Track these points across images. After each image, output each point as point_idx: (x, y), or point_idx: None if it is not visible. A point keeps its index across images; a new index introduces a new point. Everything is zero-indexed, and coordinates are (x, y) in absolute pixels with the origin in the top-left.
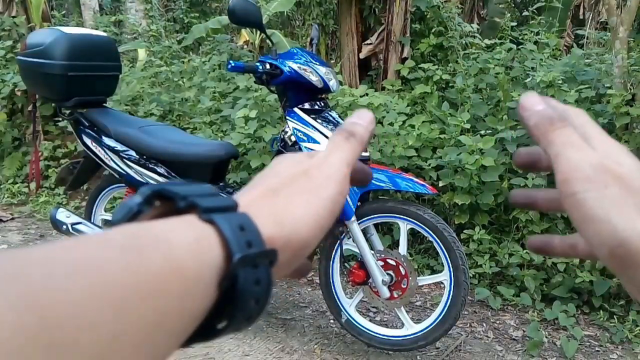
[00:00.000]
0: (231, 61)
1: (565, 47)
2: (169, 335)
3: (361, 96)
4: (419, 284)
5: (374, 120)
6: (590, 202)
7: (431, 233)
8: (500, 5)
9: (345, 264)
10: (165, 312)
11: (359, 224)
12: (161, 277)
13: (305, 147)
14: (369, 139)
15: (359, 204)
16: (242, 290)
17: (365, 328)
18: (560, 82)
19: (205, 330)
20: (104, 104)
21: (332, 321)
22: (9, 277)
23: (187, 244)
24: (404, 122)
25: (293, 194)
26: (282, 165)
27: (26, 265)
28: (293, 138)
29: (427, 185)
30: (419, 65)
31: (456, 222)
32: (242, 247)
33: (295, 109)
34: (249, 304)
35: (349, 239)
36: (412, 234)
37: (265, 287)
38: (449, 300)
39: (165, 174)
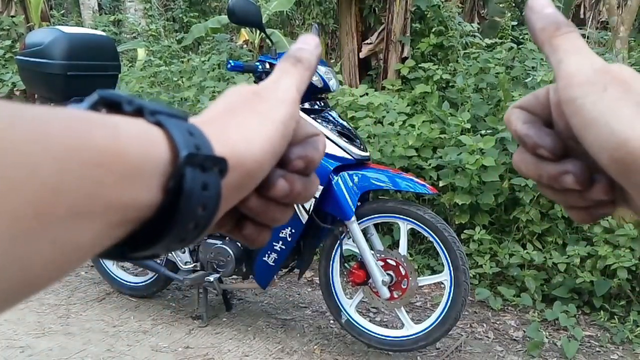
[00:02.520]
0: (231, 61)
1: None
2: (107, 211)
3: (361, 96)
4: (419, 284)
5: (319, 44)
6: (588, 106)
7: (431, 233)
8: (500, 5)
9: (345, 264)
10: (104, 187)
11: (359, 224)
12: (104, 153)
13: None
14: (316, 64)
15: (359, 204)
16: (188, 190)
17: (365, 328)
18: None
19: (149, 236)
20: None
21: (332, 322)
22: None
23: (134, 134)
24: (404, 121)
25: (245, 115)
26: (233, 91)
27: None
28: None
29: (428, 185)
30: (419, 65)
31: (456, 222)
32: (189, 147)
33: None
34: (196, 209)
35: (349, 239)
36: (413, 234)
37: (213, 195)
38: (449, 301)
39: None
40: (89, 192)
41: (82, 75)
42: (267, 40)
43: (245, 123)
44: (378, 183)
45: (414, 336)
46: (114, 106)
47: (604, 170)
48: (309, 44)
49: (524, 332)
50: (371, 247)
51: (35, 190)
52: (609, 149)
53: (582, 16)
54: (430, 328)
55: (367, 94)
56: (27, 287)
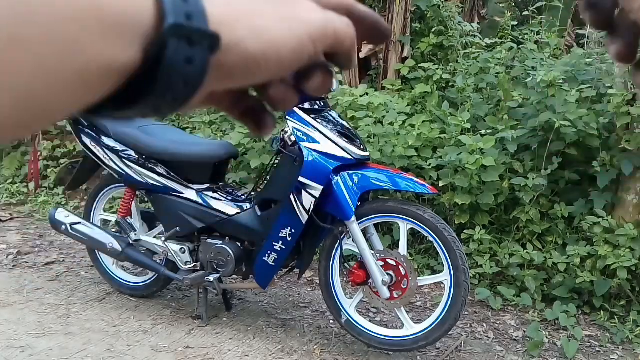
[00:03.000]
0: None
1: (566, 47)
2: (82, 69)
3: (361, 96)
4: (419, 284)
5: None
6: None
7: (431, 233)
8: (500, 5)
9: (345, 264)
10: (79, 44)
11: (359, 224)
12: (80, 7)
13: (305, 147)
14: (350, 47)
15: (359, 204)
16: (169, 62)
17: (366, 328)
18: (561, 81)
19: (120, 101)
20: None
21: (332, 322)
22: None
23: None
24: (404, 121)
25: (264, 6)
26: None
27: None
28: (293, 138)
29: (428, 185)
30: (419, 65)
31: (456, 222)
32: (178, 14)
33: (295, 109)
34: (176, 82)
35: (349, 239)
36: (413, 234)
37: (198, 70)
38: (450, 301)
39: (165, 173)
40: (60, 49)
41: None
42: None
43: (259, 11)
44: (378, 183)
45: (414, 336)
46: None
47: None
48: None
49: (524, 332)
50: (371, 247)
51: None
52: None
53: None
54: (431, 328)
55: (367, 94)
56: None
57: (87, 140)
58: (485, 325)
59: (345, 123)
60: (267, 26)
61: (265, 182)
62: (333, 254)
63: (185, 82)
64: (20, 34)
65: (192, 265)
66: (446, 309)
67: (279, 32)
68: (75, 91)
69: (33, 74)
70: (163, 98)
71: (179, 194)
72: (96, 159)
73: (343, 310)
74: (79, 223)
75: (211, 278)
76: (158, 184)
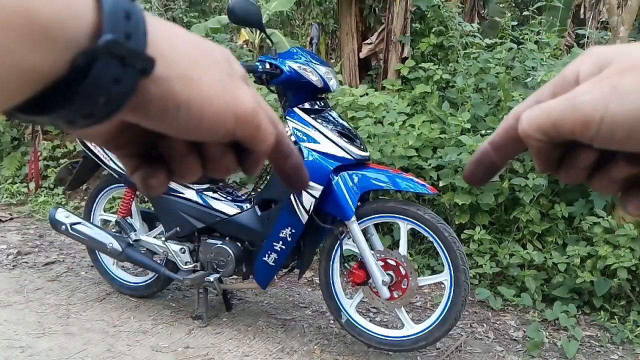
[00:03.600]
0: None
1: (566, 47)
2: (6, 72)
3: (361, 96)
4: (419, 284)
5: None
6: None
7: (431, 233)
8: (500, 5)
9: (345, 264)
10: (3, 48)
11: (359, 224)
12: (10, 13)
13: (305, 147)
14: (264, 147)
15: (359, 204)
16: (95, 77)
17: (366, 328)
18: None
19: (40, 103)
20: None
21: (332, 322)
22: None
23: (55, 1)
24: (404, 121)
25: (203, 62)
26: (220, 49)
27: None
28: (293, 138)
29: (428, 185)
30: (419, 65)
31: (456, 222)
32: (117, 32)
33: (295, 109)
34: (97, 98)
35: (349, 239)
36: (413, 234)
37: (123, 91)
38: (450, 301)
39: None
40: None
41: None
42: (267, 40)
43: (197, 64)
44: (378, 183)
45: (414, 336)
46: None
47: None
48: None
49: (524, 332)
50: (371, 247)
51: None
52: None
53: (582, 16)
54: (430, 328)
55: (367, 94)
56: None
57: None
58: (485, 325)
59: (345, 123)
60: (201, 80)
61: (265, 182)
62: (333, 254)
63: (106, 101)
64: None
65: (192, 265)
66: (446, 309)
67: (211, 91)
68: None
69: None
70: (78, 112)
71: (179, 194)
72: (96, 159)
73: (343, 310)
74: (79, 223)
75: (211, 278)
76: None
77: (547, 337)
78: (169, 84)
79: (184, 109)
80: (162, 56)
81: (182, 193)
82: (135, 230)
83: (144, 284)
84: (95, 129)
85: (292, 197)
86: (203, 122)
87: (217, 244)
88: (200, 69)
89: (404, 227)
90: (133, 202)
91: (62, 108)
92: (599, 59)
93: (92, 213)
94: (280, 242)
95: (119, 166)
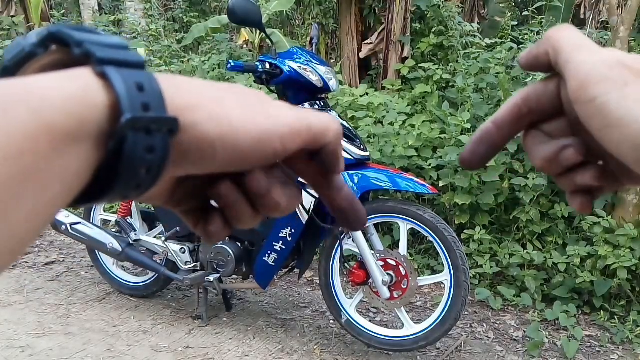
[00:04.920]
0: (231, 61)
1: None
2: (42, 195)
3: (361, 96)
4: (419, 285)
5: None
6: (612, 105)
7: (431, 233)
8: (501, 5)
9: (346, 264)
10: (32, 174)
11: None
12: (25, 135)
13: None
14: (329, 142)
15: None
16: (129, 154)
17: (366, 328)
18: None
19: (93, 190)
20: None
21: (332, 322)
22: None
23: (66, 100)
24: (404, 121)
25: (230, 97)
26: (244, 87)
27: None
28: None
29: (428, 185)
30: (419, 65)
31: (457, 222)
32: (135, 108)
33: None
34: (138, 171)
35: (349, 239)
36: (413, 234)
37: (160, 156)
38: (450, 301)
39: None
40: (18, 182)
41: None
42: (267, 41)
43: (225, 100)
44: (378, 183)
45: (414, 336)
46: (63, 44)
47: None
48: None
49: (524, 332)
50: (371, 247)
51: None
52: None
53: (582, 16)
54: (431, 328)
55: (367, 94)
56: None
57: None
58: (485, 325)
59: (345, 123)
60: (228, 113)
61: None
62: (333, 254)
63: (147, 170)
64: None
65: (192, 265)
66: (446, 309)
67: (241, 120)
68: (42, 205)
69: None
70: (127, 187)
71: None
72: None
73: (343, 310)
74: (79, 223)
75: (211, 278)
76: None
77: (547, 337)
78: (199, 128)
79: (218, 145)
80: (185, 107)
81: None
82: (135, 230)
83: (144, 284)
84: (151, 192)
85: None
86: (244, 152)
87: (217, 244)
88: (226, 104)
89: (404, 227)
90: (133, 202)
91: (112, 189)
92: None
93: (92, 213)
94: (280, 242)
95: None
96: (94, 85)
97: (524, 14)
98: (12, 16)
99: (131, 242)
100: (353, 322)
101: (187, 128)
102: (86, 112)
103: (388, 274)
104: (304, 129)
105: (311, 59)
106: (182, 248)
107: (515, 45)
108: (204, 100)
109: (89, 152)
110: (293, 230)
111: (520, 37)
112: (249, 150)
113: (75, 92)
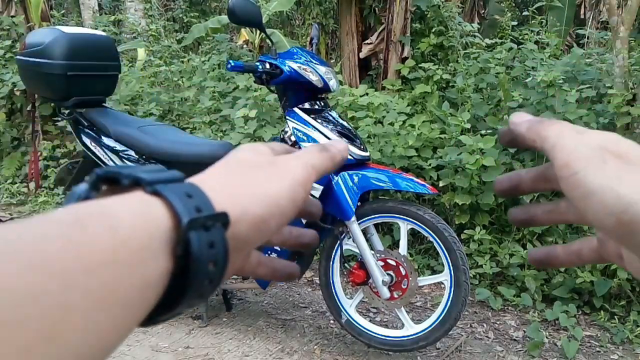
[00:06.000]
0: (231, 61)
1: (566, 47)
2: (124, 307)
3: (361, 96)
4: (419, 285)
5: (347, 150)
6: (590, 177)
7: (431, 233)
8: (501, 4)
9: (346, 264)
10: (114, 285)
11: (359, 224)
12: (106, 251)
13: (305, 147)
14: (340, 162)
15: (359, 204)
16: (196, 253)
17: (366, 328)
18: (561, 81)
19: (168, 304)
20: (104, 104)
21: (332, 322)
22: None
23: (133, 216)
24: (404, 121)
25: (251, 174)
26: (248, 149)
27: None
28: (293, 138)
29: (428, 185)
30: (419, 65)
31: (457, 222)
32: (190, 211)
33: (295, 109)
34: (207, 267)
35: (349, 239)
36: (413, 234)
37: (221, 250)
38: (450, 301)
39: None
40: (99, 297)
41: (82, 75)
42: (267, 40)
43: (251, 181)
44: (378, 183)
45: (414, 336)
46: (113, 181)
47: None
48: (339, 144)
49: (524, 332)
50: (371, 247)
51: (43, 317)
52: (617, 212)
53: (582, 16)
54: (431, 328)
55: (367, 94)
56: None
57: (87, 140)
58: (485, 325)
59: (345, 123)
60: (263, 188)
61: None
62: (333, 254)
63: (215, 263)
64: (64, 302)
65: None
66: (446, 309)
67: (274, 189)
68: (121, 321)
69: (79, 330)
70: (201, 285)
71: None
72: (96, 159)
73: (343, 310)
74: None
75: None
76: None
77: (547, 337)
78: (248, 214)
79: (269, 218)
80: (227, 202)
81: None
82: None
83: None
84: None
85: None
86: (285, 211)
87: None
88: (253, 182)
89: (404, 227)
90: None
91: (189, 288)
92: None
93: None
94: None
95: (119, 166)
96: (152, 202)
97: (524, 14)
98: (12, 16)
99: None
100: (353, 322)
101: (240, 217)
102: (152, 225)
103: (388, 274)
104: (310, 170)
105: (311, 59)
106: None
107: (515, 45)
108: (237, 187)
109: (159, 261)
110: None
111: (520, 37)
112: (289, 207)
113: (139, 210)
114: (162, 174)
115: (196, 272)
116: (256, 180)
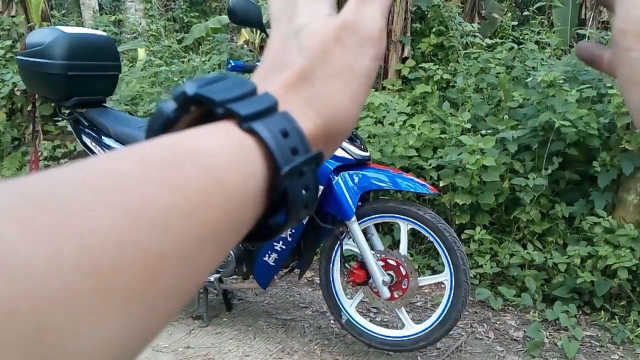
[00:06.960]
0: (231, 61)
1: (569, 48)
2: (218, 246)
3: None
4: (420, 285)
5: None
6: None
7: (432, 233)
8: (501, 4)
9: (346, 264)
10: (210, 227)
11: (359, 224)
12: (203, 192)
13: None
14: None
15: (359, 204)
16: (292, 201)
17: (366, 328)
18: (561, 81)
19: (260, 230)
20: (104, 104)
21: (332, 322)
22: (37, 205)
23: (228, 157)
24: (404, 121)
25: (328, 76)
26: (306, 34)
27: (54, 193)
28: None
29: (428, 185)
30: (420, 65)
31: (457, 222)
32: (287, 157)
33: None
34: (300, 210)
35: (349, 239)
36: (413, 234)
37: (313, 191)
38: (450, 301)
39: None
40: (195, 240)
41: (82, 75)
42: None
43: (331, 88)
44: (378, 183)
45: (414, 336)
46: (203, 104)
47: None
48: None
49: (525, 332)
50: (371, 247)
51: (141, 262)
52: None
53: (582, 16)
54: (431, 328)
55: None
56: (165, 315)
57: (87, 140)
58: (485, 325)
59: None
60: (344, 97)
61: None
62: (333, 254)
63: (305, 205)
64: (161, 247)
65: None
66: (446, 309)
67: (351, 95)
68: (218, 253)
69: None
70: (292, 222)
71: None
72: None
73: (343, 310)
74: None
75: (211, 278)
76: None
77: (547, 337)
78: (330, 135)
79: (344, 133)
80: (317, 131)
81: None
82: None
83: None
84: None
85: None
86: (354, 121)
87: None
88: (335, 92)
89: (404, 227)
90: None
91: (280, 231)
92: None
93: None
94: (281, 242)
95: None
96: (247, 141)
97: (524, 13)
98: (12, 16)
99: None
100: (353, 322)
101: (328, 137)
102: (248, 166)
103: (388, 274)
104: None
105: None
106: None
107: (515, 45)
108: (320, 104)
109: (254, 203)
110: (293, 230)
111: (521, 37)
112: (357, 117)
113: (234, 150)
114: (256, 104)
115: (289, 217)
116: (336, 86)
